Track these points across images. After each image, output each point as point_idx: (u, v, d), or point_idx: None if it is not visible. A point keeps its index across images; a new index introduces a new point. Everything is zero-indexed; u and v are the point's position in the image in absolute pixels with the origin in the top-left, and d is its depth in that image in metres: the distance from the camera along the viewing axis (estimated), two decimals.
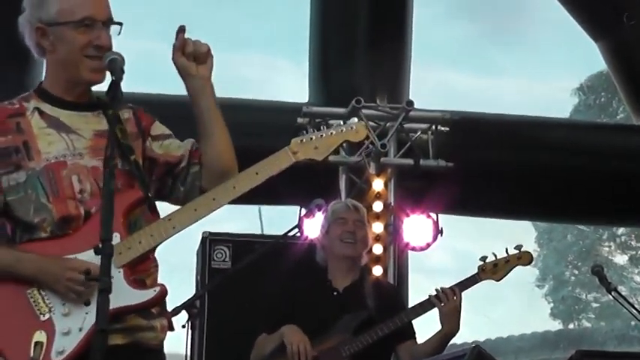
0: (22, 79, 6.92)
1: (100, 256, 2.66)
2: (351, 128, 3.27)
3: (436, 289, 5.03)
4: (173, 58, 3.13)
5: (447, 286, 5.06)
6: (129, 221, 3.06)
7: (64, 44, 3.07)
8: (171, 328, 3.20)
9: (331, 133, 3.24)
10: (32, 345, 2.92)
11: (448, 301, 5.00)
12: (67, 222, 3.04)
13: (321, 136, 3.23)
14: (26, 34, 3.12)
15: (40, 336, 2.93)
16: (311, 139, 3.21)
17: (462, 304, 5.02)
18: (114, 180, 2.76)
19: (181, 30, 3.12)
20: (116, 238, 2.86)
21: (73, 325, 2.94)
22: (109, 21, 3.09)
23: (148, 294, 3.01)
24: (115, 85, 2.92)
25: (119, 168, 3.02)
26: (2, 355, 2.93)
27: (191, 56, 3.12)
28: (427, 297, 5.05)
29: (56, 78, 3.15)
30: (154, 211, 3.16)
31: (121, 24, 3.10)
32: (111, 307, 2.63)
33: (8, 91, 3.31)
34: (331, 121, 7.35)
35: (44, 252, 3.00)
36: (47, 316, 2.96)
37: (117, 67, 2.93)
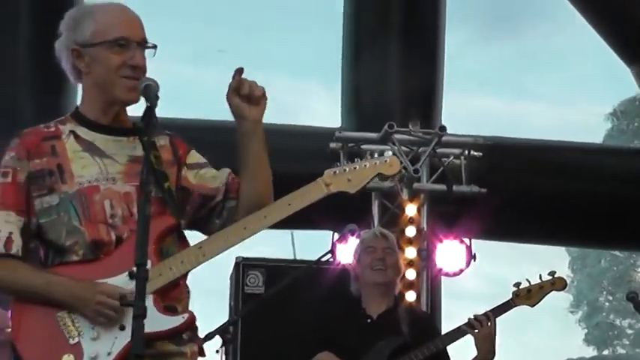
0: (59, 104, 6.98)
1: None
2: (385, 161, 3.25)
3: (469, 318, 5.02)
4: (228, 98, 3.12)
5: (481, 312, 5.05)
6: (160, 248, 3.06)
7: (99, 65, 3.08)
8: (202, 354, 3.18)
9: (365, 166, 3.22)
10: None
11: (482, 327, 4.98)
12: (99, 246, 3.04)
13: (355, 168, 3.21)
14: (63, 58, 3.14)
15: (68, 359, 2.94)
16: (344, 170, 3.19)
17: (496, 329, 5.01)
18: (150, 204, 2.76)
19: (239, 71, 3.12)
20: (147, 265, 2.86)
21: (102, 349, 2.94)
22: (144, 42, 3.10)
23: (176, 320, 3.01)
24: (149, 111, 2.92)
25: (152, 195, 2.98)
26: None
27: (245, 98, 3.11)
28: (462, 323, 5.04)
29: (92, 100, 3.16)
30: (184, 240, 3.17)
31: (155, 47, 3.11)
32: None
33: (46, 117, 3.32)
34: (364, 146, 7.36)
35: (75, 276, 3.00)
36: (76, 339, 2.96)
37: (151, 93, 2.94)
